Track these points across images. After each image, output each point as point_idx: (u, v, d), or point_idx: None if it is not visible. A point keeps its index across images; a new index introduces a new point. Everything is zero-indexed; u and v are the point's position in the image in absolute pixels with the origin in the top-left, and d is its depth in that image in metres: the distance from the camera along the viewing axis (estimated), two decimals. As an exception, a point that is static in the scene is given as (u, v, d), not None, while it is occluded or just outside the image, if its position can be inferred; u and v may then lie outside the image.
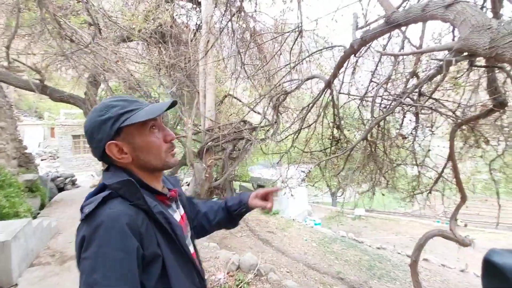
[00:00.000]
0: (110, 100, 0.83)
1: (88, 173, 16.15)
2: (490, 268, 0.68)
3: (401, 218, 13.51)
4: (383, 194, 4.55)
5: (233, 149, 6.96)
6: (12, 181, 5.33)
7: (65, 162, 17.52)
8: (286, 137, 5.45)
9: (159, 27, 7.55)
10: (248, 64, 5.79)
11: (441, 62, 3.27)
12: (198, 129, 6.07)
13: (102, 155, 0.81)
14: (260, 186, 15.42)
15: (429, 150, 4.19)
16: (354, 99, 4.62)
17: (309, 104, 4.78)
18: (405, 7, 3.51)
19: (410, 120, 4.51)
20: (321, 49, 4.09)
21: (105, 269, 0.64)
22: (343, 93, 4.52)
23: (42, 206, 6.51)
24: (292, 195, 5.88)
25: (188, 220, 1.00)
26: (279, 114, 6.17)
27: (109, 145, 0.79)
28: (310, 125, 5.03)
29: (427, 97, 3.98)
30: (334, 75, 3.99)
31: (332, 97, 4.38)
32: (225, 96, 6.75)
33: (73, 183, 9.33)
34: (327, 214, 13.97)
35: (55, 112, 23.47)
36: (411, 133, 4.37)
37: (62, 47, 4.09)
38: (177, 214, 0.93)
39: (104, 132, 0.78)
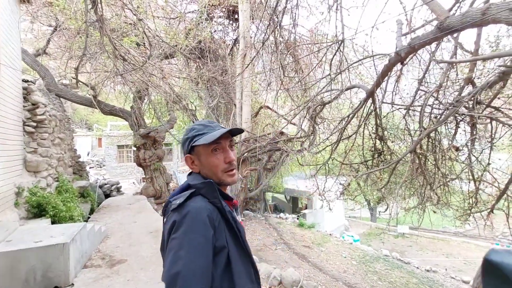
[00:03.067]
0: (194, 124, 1.06)
1: (130, 180, 17.20)
2: (490, 268, 0.70)
3: (451, 238, 12.25)
4: (434, 212, 4.17)
5: (268, 160, 6.95)
6: (68, 187, 5.85)
7: (110, 170, 18.87)
8: (323, 149, 5.31)
9: (198, 44, 7.97)
10: (287, 76, 5.81)
11: (505, 69, 2.98)
12: (234, 141, 6.19)
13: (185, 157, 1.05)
14: (293, 198, 15.14)
15: (488, 164, 3.79)
16: (399, 108, 4.38)
17: (349, 115, 4.62)
18: (456, 11, 3.29)
19: (464, 131, 4.14)
20: (363, 58, 3.96)
21: (189, 248, 0.80)
22: (387, 103, 4.31)
23: (91, 211, 7.03)
24: (330, 208, 5.65)
25: None
26: (316, 125, 6.06)
27: (185, 157, 1.04)
28: (350, 136, 4.85)
29: (485, 106, 3.63)
30: (378, 84, 3.83)
31: (375, 107, 4.19)
32: (261, 108, 6.82)
33: (118, 190, 9.98)
34: (366, 230, 13.19)
35: (102, 124, 25.59)
36: (466, 145, 3.99)
37: (117, 66, 4.44)
38: (239, 218, 1.07)
39: (185, 148, 1.04)
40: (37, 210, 4.63)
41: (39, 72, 7.04)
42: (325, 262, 6.46)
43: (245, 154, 5.91)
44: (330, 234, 9.22)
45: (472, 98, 3.36)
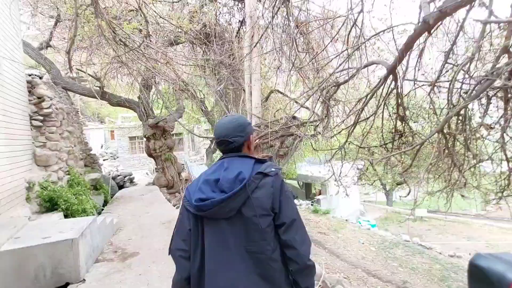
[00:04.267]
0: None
1: (143, 171, 17.40)
2: (476, 272, 0.72)
3: (472, 221, 11.80)
4: (462, 196, 3.86)
5: (280, 146, 6.71)
6: (80, 180, 5.83)
7: (123, 162, 19.13)
8: (338, 132, 5.01)
9: (203, 28, 7.63)
10: (300, 52, 5.45)
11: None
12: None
13: (242, 143, 1.23)
14: (306, 184, 14.94)
15: (525, 143, 3.42)
16: (423, 85, 4.00)
17: (367, 95, 4.29)
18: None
19: (497, 108, 3.74)
20: (385, 30, 3.58)
21: (291, 199, 1.20)
22: (410, 80, 3.94)
23: (105, 203, 7.05)
24: (347, 194, 5.41)
25: None
26: (330, 108, 5.73)
27: (251, 137, 1.29)
28: (368, 118, 4.53)
29: (523, 78, 3.23)
30: (400, 58, 3.47)
31: (396, 85, 3.84)
32: (271, 92, 6.52)
33: (131, 181, 10.04)
34: (382, 214, 12.91)
35: (114, 117, 25.86)
36: (498, 122, 3.62)
37: (118, 52, 4.23)
38: None
39: (250, 129, 1.29)
40: (49, 204, 4.60)
41: (43, 65, 6.93)
42: (342, 248, 6.28)
43: (257, 141, 5.68)
44: (346, 220, 9.00)
45: (509, 70, 2.98)
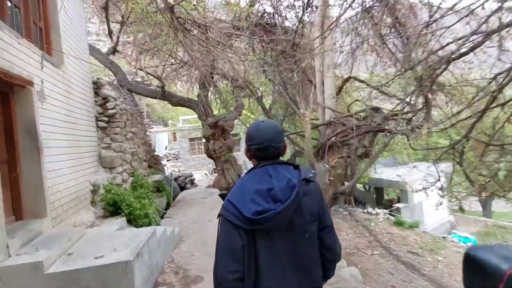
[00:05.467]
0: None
1: (203, 171, 17.71)
2: (471, 263, 0.74)
3: None
4: None
5: (359, 144, 5.58)
6: (143, 182, 5.66)
7: (185, 162, 19.86)
8: (453, 125, 3.72)
9: (262, 16, 6.96)
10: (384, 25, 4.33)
11: None
12: (315, 122, 5.00)
13: (283, 148, 1.19)
14: (377, 189, 13.13)
15: None
16: None
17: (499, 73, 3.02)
18: None
19: None
20: None
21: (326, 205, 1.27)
22: None
23: (168, 205, 6.89)
24: (462, 210, 4.06)
25: None
26: (432, 95, 4.44)
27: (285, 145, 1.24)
28: (506, 103, 3.19)
29: None
30: None
31: None
32: (347, 80, 5.44)
33: (192, 182, 9.97)
34: (479, 228, 10.45)
35: (176, 120, 27.37)
36: None
37: (179, 37, 3.75)
38: None
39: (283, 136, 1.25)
40: (113, 208, 4.39)
41: (110, 69, 7.10)
42: (447, 277, 4.84)
43: (332, 139, 4.70)
44: (444, 237, 7.26)
45: None
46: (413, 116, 4.67)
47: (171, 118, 29.14)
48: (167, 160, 18.54)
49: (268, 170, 1.09)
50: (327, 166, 4.80)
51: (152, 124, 23.26)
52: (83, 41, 4.80)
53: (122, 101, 5.60)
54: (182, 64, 7.91)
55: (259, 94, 8.90)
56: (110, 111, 4.99)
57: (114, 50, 7.74)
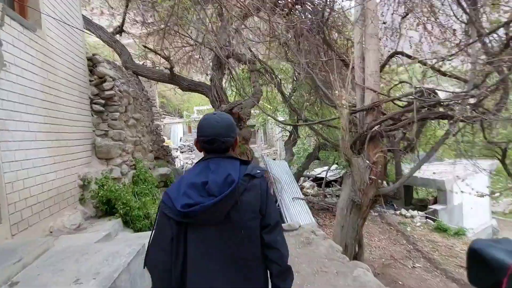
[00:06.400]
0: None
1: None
2: (475, 257, 0.75)
3: None
4: None
5: (403, 137, 4.57)
6: (147, 176, 4.95)
7: (199, 154, 19.28)
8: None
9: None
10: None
11: None
12: (353, 107, 4.02)
13: (232, 144, 1.14)
14: (406, 187, 11.86)
15: None
16: None
17: None
18: None
19: None
20: None
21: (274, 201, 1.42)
22: None
23: (177, 201, 6.19)
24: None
25: None
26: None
27: (237, 137, 1.18)
28: None
29: None
30: None
31: None
32: (392, 55, 4.40)
33: (204, 176, 9.23)
34: (529, 235, 9.11)
35: (191, 111, 26.90)
36: None
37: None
38: None
39: (237, 129, 1.20)
40: (107, 207, 3.69)
41: (115, 48, 6.39)
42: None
43: (376, 128, 3.73)
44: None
45: None
46: (482, 100, 3.62)
47: (186, 109, 28.72)
48: (181, 152, 18.04)
49: (210, 163, 1.09)
50: (368, 162, 3.85)
51: (165, 115, 22.82)
52: (75, 7, 4.05)
53: (124, 83, 4.85)
54: (195, 45, 7.10)
55: (279, 80, 7.96)
56: (107, 93, 4.25)
57: (120, 30, 7.02)
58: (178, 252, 1.01)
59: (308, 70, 5.01)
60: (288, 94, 8.57)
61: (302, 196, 7.15)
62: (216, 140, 1.08)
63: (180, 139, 24.88)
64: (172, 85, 7.28)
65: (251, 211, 1.06)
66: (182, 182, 1.06)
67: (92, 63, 4.32)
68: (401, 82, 4.49)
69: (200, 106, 20.22)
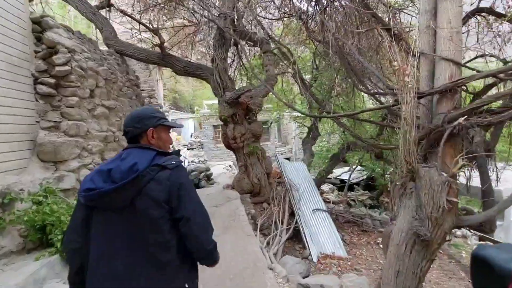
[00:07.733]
0: (152, 109, 1.34)
1: (227, 162, 15.84)
2: (479, 263, 0.76)
3: None
4: None
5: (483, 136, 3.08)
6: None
7: (208, 152, 18.15)
8: None
9: None
10: None
11: None
12: (418, 90, 2.57)
13: (138, 134, 1.21)
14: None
15: None
16: None
17: None
18: None
19: None
20: None
21: (192, 191, 1.20)
22: None
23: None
24: None
25: None
26: None
27: (151, 130, 1.22)
28: None
29: None
30: None
31: None
32: (474, 13, 2.90)
33: (208, 178, 8.00)
34: None
35: (202, 107, 25.84)
36: None
37: None
38: None
39: (151, 122, 1.24)
40: (42, 236, 2.48)
41: (95, 22, 5.20)
42: None
43: (461, 121, 2.27)
44: None
45: None
46: None
47: (198, 105, 27.71)
48: (188, 149, 16.93)
49: (124, 152, 1.17)
50: (444, 174, 2.41)
51: (173, 111, 21.81)
52: None
53: (90, 58, 3.61)
54: (195, 22, 5.83)
55: (297, 66, 6.54)
56: (59, 68, 3.02)
57: (108, 3, 5.83)
58: (86, 233, 1.11)
59: (339, 45, 3.57)
60: (308, 83, 7.14)
61: (325, 207, 5.75)
62: (125, 131, 1.22)
63: (191, 135, 23.90)
64: (170, 73, 6.08)
65: (153, 200, 1.08)
66: (95, 169, 1.15)
67: (40, 27, 3.11)
68: (482, 55, 2.94)
69: (209, 100, 19.00)
